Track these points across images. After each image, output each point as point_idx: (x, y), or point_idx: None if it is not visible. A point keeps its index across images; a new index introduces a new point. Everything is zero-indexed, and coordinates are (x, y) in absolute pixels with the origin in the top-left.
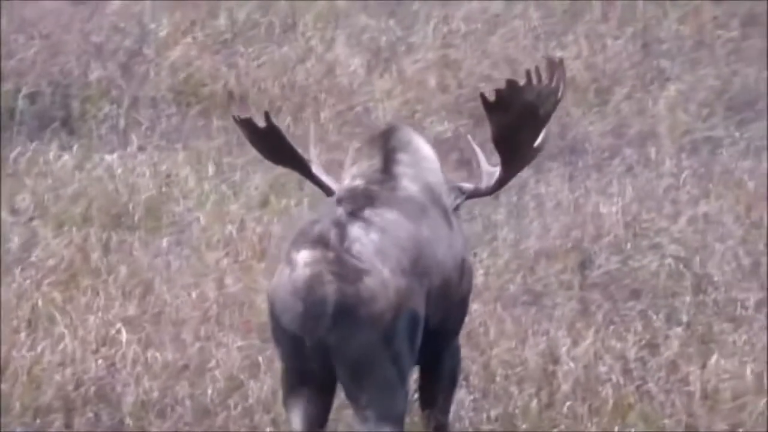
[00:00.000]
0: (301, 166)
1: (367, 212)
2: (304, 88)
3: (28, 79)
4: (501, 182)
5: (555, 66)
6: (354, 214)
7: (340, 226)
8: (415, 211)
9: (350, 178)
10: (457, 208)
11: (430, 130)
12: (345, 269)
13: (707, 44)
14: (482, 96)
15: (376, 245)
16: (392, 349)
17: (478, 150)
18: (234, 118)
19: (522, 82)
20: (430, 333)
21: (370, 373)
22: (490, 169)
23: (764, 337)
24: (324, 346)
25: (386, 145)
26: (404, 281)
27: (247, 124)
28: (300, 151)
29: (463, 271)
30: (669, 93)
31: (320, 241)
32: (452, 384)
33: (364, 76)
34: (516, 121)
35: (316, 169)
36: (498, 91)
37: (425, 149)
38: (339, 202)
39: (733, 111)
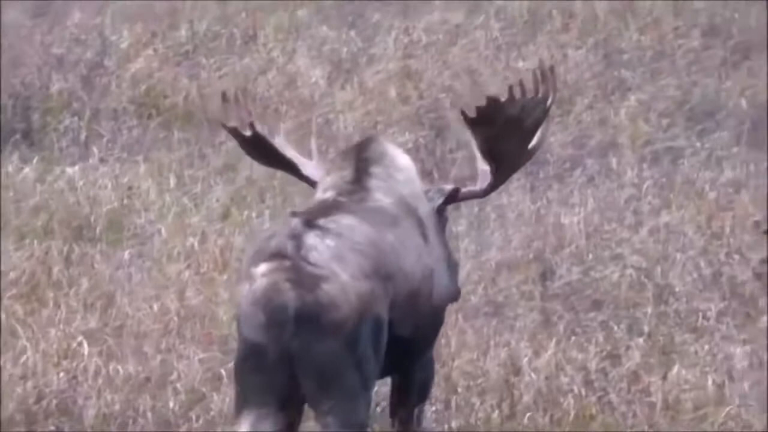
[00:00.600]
0: (291, 168)
1: (322, 221)
2: (266, 100)
3: None
4: (493, 186)
5: (545, 75)
6: (309, 224)
7: (296, 237)
8: (382, 220)
9: (322, 190)
10: (444, 211)
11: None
12: (302, 276)
13: (668, 55)
14: (462, 113)
15: (333, 251)
16: (356, 356)
17: (475, 149)
18: (223, 125)
19: (503, 97)
20: (401, 344)
21: (334, 380)
22: (485, 168)
23: (725, 347)
24: (287, 355)
25: (359, 157)
26: (366, 285)
27: (234, 133)
28: (287, 154)
29: (434, 283)
30: (630, 103)
31: (277, 254)
32: (422, 397)
33: (325, 88)
34: (501, 134)
35: (310, 170)
36: (479, 108)
37: (401, 160)
38: (294, 214)
39: (693, 121)
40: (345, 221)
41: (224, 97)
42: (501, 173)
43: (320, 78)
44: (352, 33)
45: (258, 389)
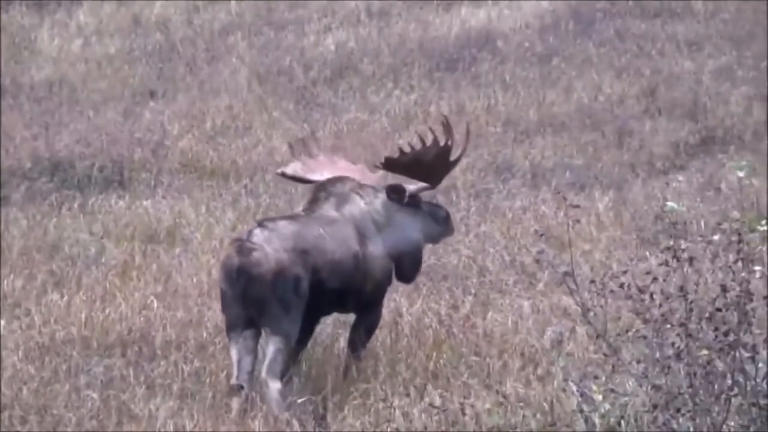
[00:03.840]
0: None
1: (267, 223)
2: (256, 163)
3: (98, 159)
4: (432, 186)
5: (445, 126)
6: (260, 225)
7: (250, 231)
8: (320, 222)
9: (300, 206)
10: (399, 200)
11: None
12: (244, 249)
13: (484, 135)
14: (375, 165)
15: (265, 237)
16: (276, 294)
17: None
18: (277, 173)
19: (397, 155)
20: (345, 298)
21: (266, 307)
22: None
23: (518, 301)
24: (238, 294)
25: (326, 189)
26: (283, 255)
27: (277, 174)
28: (310, 177)
29: (358, 261)
30: (462, 163)
31: (237, 239)
32: (368, 334)
33: (289, 157)
34: (410, 170)
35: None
36: (383, 162)
37: (352, 196)
38: (257, 221)
39: (499, 173)
40: (281, 223)
41: (290, 146)
42: (432, 182)
43: (287, 151)
44: (305, 125)
45: (232, 316)
